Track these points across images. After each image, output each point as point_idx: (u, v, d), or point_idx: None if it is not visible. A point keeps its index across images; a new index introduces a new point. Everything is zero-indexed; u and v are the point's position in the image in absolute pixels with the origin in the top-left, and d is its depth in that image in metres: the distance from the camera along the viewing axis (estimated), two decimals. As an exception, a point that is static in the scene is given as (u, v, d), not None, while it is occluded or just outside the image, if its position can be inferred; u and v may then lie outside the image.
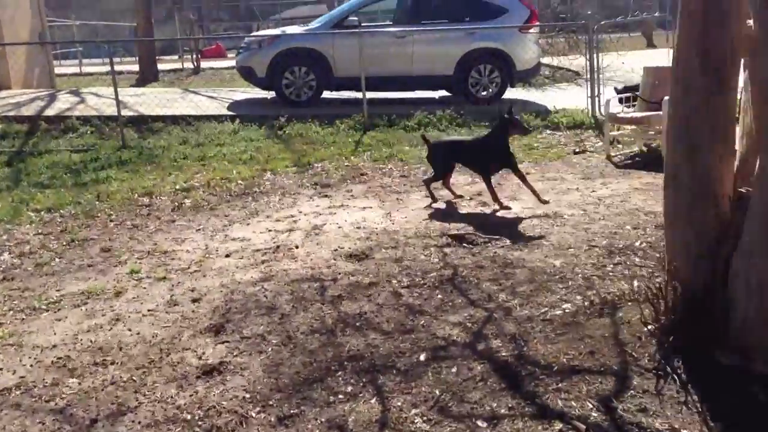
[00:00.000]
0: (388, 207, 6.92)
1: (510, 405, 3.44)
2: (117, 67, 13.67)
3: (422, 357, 4.00)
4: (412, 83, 12.74)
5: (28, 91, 14.25)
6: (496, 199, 6.66)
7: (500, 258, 5.37)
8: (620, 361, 3.74)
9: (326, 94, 12.77)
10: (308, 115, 11.27)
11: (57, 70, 19.29)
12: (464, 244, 5.76)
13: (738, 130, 3.67)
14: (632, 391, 3.46)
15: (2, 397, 3.81)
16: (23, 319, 4.80)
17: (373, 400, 3.60)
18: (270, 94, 12.97)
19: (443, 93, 13.36)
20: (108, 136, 10.56)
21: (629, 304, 4.33)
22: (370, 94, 11.18)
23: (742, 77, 3.59)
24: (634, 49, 19.66)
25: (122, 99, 11.18)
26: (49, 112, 11.98)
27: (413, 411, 3.48)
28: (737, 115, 3.71)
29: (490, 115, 10.91)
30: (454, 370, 3.83)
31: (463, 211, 6.75)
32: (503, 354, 3.95)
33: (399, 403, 3.55)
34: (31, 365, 4.15)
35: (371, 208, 6.92)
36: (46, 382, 3.94)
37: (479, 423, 3.33)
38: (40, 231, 6.59)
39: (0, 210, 7.17)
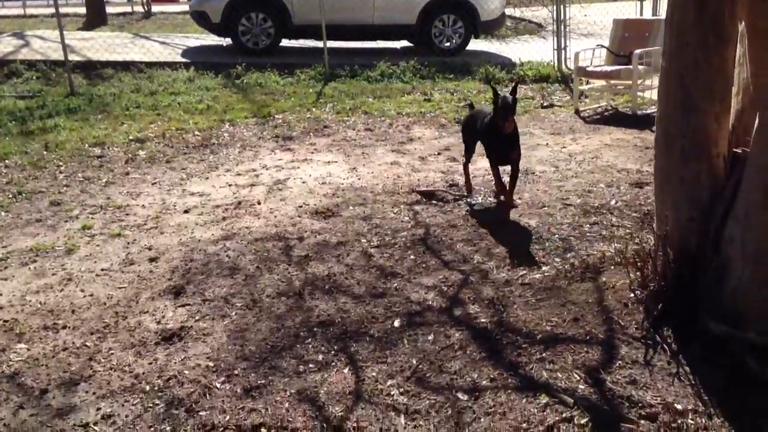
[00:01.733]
0: (354, 161, 6.67)
1: (492, 376, 3.29)
2: (62, 9, 12.93)
3: (396, 323, 3.82)
4: (374, 32, 12.36)
5: (-33, 33, 13.43)
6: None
7: (473, 217, 5.19)
8: (606, 330, 3.61)
9: (285, 43, 12.30)
10: (267, 63, 10.84)
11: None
12: (435, 202, 5.57)
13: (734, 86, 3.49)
14: (620, 362, 3.33)
15: (-58, 365, 3.52)
16: (-35, 278, 4.46)
17: (345, 370, 3.42)
18: (226, 41, 12.45)
19: (406, 43, 13.02)
20: (55, 82, 9.99)
21: (612, 268, 4.20)
22: (330, 44, 10.78)
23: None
24: (600, 1, 19.46)
25: (69, 43, 10.55)
26: (-9, 54, 11.30)
27: (389, 382, 3.30)
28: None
29: (454, 67, 10.67)
30: (430, 337, 3.66)
31: (430, 166, 6.53)
32: (482, 320, 3.79)
33: (374, 374, 3.37)
34: (-26, 330, 3.85)
35: (336, 162, 6.65)
36: (-7, 350, 3.66)
37: (459, 395, 3.18)
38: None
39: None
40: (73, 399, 3.25)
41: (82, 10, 20.26)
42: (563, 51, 10.93)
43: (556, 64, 10.93)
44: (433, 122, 7.96)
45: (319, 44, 11.02)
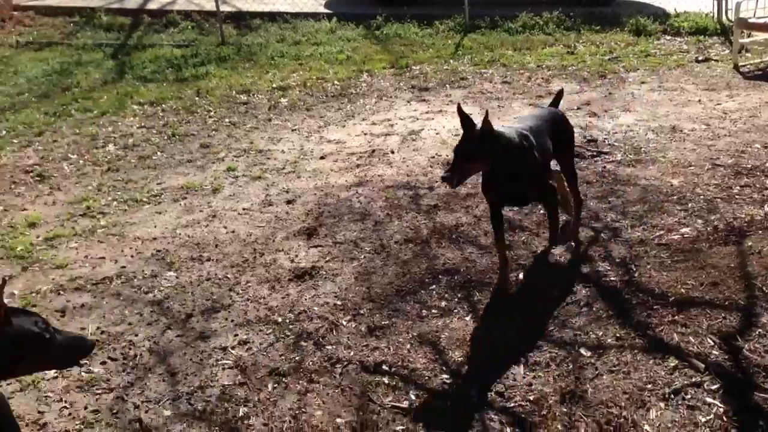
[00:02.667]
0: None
1: (618, 335, 3.22)
2: (217, -39, 13.44)
3: (521, 275, 3.80)
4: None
5: (131, -16, 14.30)
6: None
7: (609, 174, 5.01)
8: (748, 296, 3.42)
9: (426, -7, 12.19)
10: (407, 14, 10.81)
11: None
12: (570, 158, 5.42)
13: None
14: (761, 330, 3.16)
15: (104, 285, 3.91)
16: (125, 210, 4.88)
17: (468, 318, 3.47)
18: (369, -8, 12.51)
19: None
20: (207, 32, 10.49)
21: (760, 232, 3.95)
22: (473, -6, 10.57)
23: None
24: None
25: (222, -7, 11.03)
26: (152, 5, 11.98)
27: (509, 333, 3.32)
28: None
29: (601, 18, 10.18)
30: (555, 292, 3.62)
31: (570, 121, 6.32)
32: (611, 278, 3.70)
33: (495, 323, 3.40)
34: (132, 256, 4.22)
35: (471, 114, 6.58)
36: (145, 274, 4.01)
37: (582, 351, 3.14)
38: (143, 124, 6.66)
39: (105, 102, 7.28)
40: (213, 325, 3.51)
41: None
42: (723, 1, 10.12)
43: (715, 15, 10.13)
44: (575, 76, 7.68)
45: (461, -6, 10.85)
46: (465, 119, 3.38)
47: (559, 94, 4.12)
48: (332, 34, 10.16)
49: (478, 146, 3.32)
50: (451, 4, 11.44)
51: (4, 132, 6.39)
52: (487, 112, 3.43)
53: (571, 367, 3.05)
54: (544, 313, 3.45)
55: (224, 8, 11.00)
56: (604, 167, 5.15)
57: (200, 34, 10.47)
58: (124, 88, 7.83)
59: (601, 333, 3.25)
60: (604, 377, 2.98)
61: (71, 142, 6.19)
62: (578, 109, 6.64)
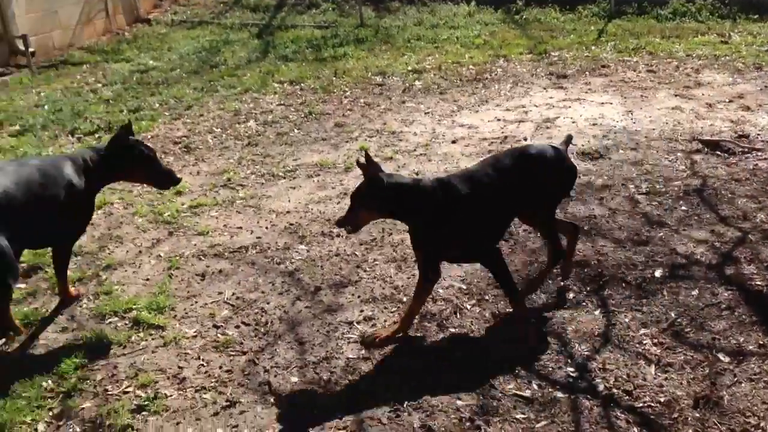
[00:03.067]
0: (630, 104, 6.32)
1: (762, 342, 3.03)
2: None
3: (657, 273, 3.64)
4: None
5: (277, -33, 14.81)
6: None
7: (762, 172, 4.69)
8: None
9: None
10: (549, -1, 10.54)
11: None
12: (718, 152, 5.11)
13: None
14: None
15: (240, 254, 4.10)
16: (263, 183, 5.09)
17: (596, 312, 3.37)
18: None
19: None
20: (347, 14, 10.70)
21: None
22: (620, -22, 10.14)
23: None
24: None
25: (363, -24, 11.21)
26: (296, -13, 12.40)
27: (642, 331, 3.19)
28: None
29: (760, 5, 9.47)
30: (694, 293, 3.44)
31: (718, 114, 5.96)
32: (758, 283, 3.47)
33: (626, 320, 3.28)
34: (267, 228, 4.41)
35: (611, 104, 6.36)
36: (279, 246, 4.17)
37: (720, 356, 2.98)
38: (282, 102, 6.90)
39: (249, 79, 7.60)
40: (340, 299, 3.61)
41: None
42: None
43: None
44: (728, 66, 7.22)
45: (607, -21, 10.45)
46: (365, 164, 3.03)
47: (568, 138, 3.52)
48: (470, 17, 10.08)
49: (366, 193, 3.05)
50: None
51: (157, 105, 6.82)
52: (367, 154, 3.03)
53: (707, 371, 2.90)
54: (680, 313, 3.29)
55: (365, -10, 11.17)
56: (756, 165, 4.82)
57: (340, 15, 10.69)
58: (267, 66, 8.14)
59: (742, 339, 3.07)
60: (743, 385, 2.81)
61: (216, 117, 6.52)
62: (729, 101, 6.24)
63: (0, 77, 7.91)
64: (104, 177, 3.48)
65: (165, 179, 3.59)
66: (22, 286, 3.77)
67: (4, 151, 5.66)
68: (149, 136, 6.02)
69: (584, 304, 3.44)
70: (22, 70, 8.20)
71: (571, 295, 3.51)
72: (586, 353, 3.09)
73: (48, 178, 3.15)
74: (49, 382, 3.01)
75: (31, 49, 8.22)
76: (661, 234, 4.02)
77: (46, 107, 6.72)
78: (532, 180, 3.20)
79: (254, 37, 9.67)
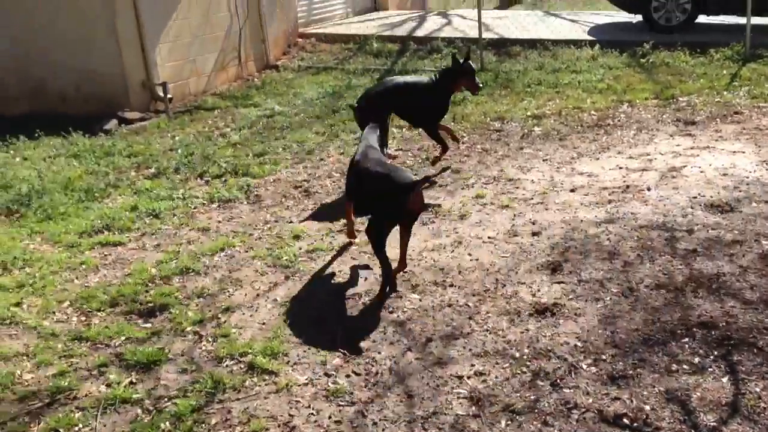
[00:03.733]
0: (765, 154, 5.95)
1: None
2: (482, -11, 13.75)
3: (793, 339, 3.38)
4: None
5: (402, 13, 15.14)
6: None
7: None
8: None
9: (701, 19, 11.37)
10: (677, 42, 10.15)
11: (428, -8, 20.22)
12: None
13: None
14: None
15: (353, 301, 4.15)
16: (377, 230, 5.15)
17: (724, 379, 3.15)
18: (636, 18, 11.98)
19: None
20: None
21: None
22: (755, 20, 9.64)
23: None
24: None
25: (485, 21, 11.25)
26: (419, 33, 12.59)
27: (776, 402, 2.96)
28: None
29: None
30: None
31: None
32: None
33: (757, 389, 3.05)
34: (380, 275, 4.44)
35: (743, 153, 6.02)
36: (392, 294, 4.19)
37: None
38: (400, 147, 7.00)
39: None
40: (451, 351, 3.58)
41: (501, -11, 21.34)
42: None
43: None
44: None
45: (741, 20, 9.95)
46: None
47: None
48: (593, 61, 9.88)
49: None
50: (730, 31, 10.57)
51: (281, 149, 7.10)
52: None
53: None
54: (819, 387, 3.02)
55: (486, 35, 11.23)
56: None
57: (461, 61, 10.77)
58: (386, 112, 8.29)
59: None
60: None
61: (336, 161, 6.70)
62: None
63: (140, 122, 8.52)
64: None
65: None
66: (147, 326, 4.00)
67: (139, 192, 6.07)
68: (271, 180, 6.27)
69: (711, 369, 3.23)
70: (160, 115, 8.79)
71: (697, 360, 3.31)
72: (712, 424, 2.89)
73: None
74: (167, 423, 3.14)
75: (169, 96, 8.82)
76: None
77: (179, 151, 7.16)
78: None
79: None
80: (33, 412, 3.31)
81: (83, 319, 4.13)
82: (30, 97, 8.97)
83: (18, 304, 4.29)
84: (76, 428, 3.18)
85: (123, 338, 3.87)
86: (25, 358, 3.74)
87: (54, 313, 4.20)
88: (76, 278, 4.63)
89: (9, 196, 5.95)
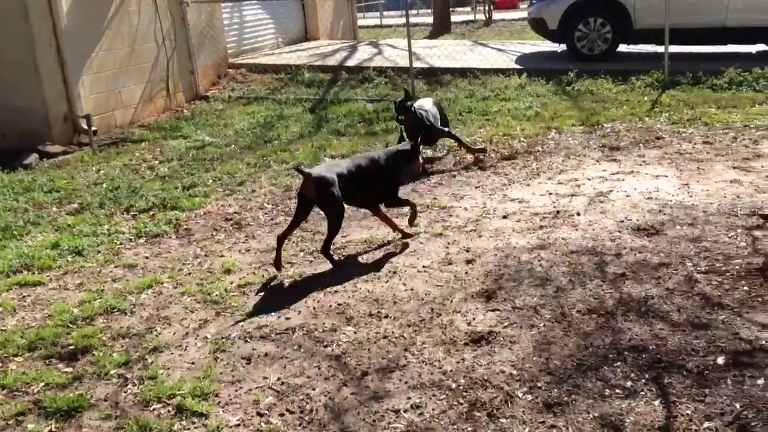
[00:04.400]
0: (686, 177, 6.16)
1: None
2: (413, 20, 13.99)
3: (720, 360, 3.45)
4: (725, 36, 11.22)
5: (333, 42, 15.25)
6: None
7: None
8: None
9: (621, 48, 11.82)
10: (600, 70, 10.53)
11: (360, 22, 20.44)
12: (781, 229, 4.90)
13: None
14: None
15: (287, 335, 4.06)
16: (311, 261, 5.08)
17: (656, 402, 3.19)
18: (560, 47, 12.37)
19: (763, 47, 11.64)
20: (400, 87, 10.86)
21: None
22: (672, 48, 10.08)
23: None
24: None
25: (415, 51, 11.42)
26: (350, 62, 12.68)
27: (706, 424, 3.00)
28: None
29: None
30: (760, 382, 3.24)
31: (780, 187, 5.75)
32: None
33: (688, 411, 3.09)
34: (314, 308, 4.36)
35: (666, 177, 6.22)
36: (326, 327, 4.11)
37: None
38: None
39: (301, 154, 7.72)
40: (387, 385, 3.51)
41: (431, 19, 21.78)
42: None
43: None
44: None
45: (659, 49, 10.40)
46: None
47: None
48: (521, 89, 10.13)
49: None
50: (648, 58, 11.03)
51: (211, 181, 6.97)
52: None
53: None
54: (746, 405, 3.08)
55: (417, 64, 11.40)
56: (823, 242, 4.60)
57: (392, 89, 10.88)
58: (319, 140, 8.27)
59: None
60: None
61: (267, 192, 6.61)
62: (791, 174, 6.03)
63: (63, 155, 8.24)
64: None
65: None
66: (68, 370, 3.80)
67: (61, 229, 5.83)
68: (201, 213, 6.13)
69: (643, 393, 3.27)
70: (84, 148, 8.53)
71: (629, 383, 3.34)
72: (645, 449, 2.91)
73: None
74: (90, 472, 2.97)
75: (93, 128, 8.57)
76: (723, 317, 3.83)
77: (104, 185, 6.93)
78: None
79: (308, 112, 9.89)
80: (-59, 470, 3.09)
81: (-1, 365, 3.90)
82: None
83: (-75, 353, 4.02)
84: (-11, 485, 2.98)
85: (42, 384, 3.65)
86: (-68, 411, 3.50)
87: (-33, 360, 3.96)
88: (-8, 322, 4.39)
89: None
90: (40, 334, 4.13)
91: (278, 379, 3.62)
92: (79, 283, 4.88)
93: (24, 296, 4.71)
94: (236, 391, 3.53)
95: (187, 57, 10.95)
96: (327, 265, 4.95)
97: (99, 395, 3.54)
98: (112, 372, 3.73)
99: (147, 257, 5.29)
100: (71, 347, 3.98)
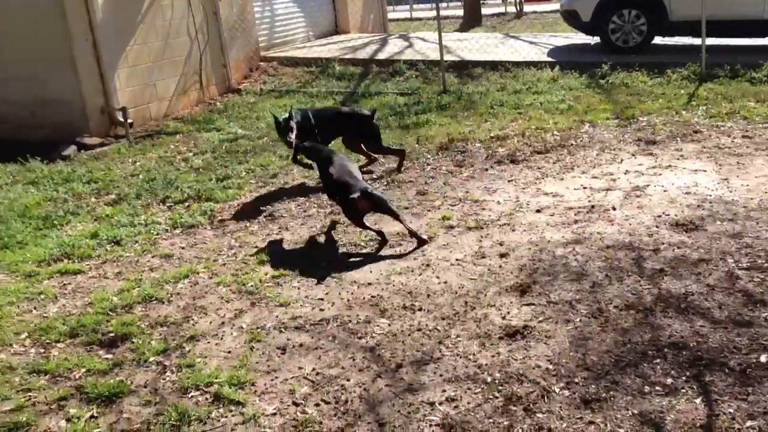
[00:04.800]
0: (725, 171, 6.05)
1: None
2: (443, 12, 13.93)
3: (763, 358, 3.39)
4: (763, 28, 10.98)
5: (364, 36, 15.22)
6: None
7: None
8: None
9: (657, 40, 11.64)
10: (635, 62, 10.37)
11: (390, 15, 20.38)
12: (825, 225, 4.80)
13: None
14: None
15: (321, 326, 4.07)
16: (345, 253, 5.09)
17: (697, 400, 3.14)
18: (593, 40, 12.22)
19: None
20: (430, 81, 10.83)
21: None
22: (709, 41, 9.89)
23: None
24: None
25: (446, 44, 11.35)
26: (381, 55, 12.65)
27: (749, 423, 2.95)
28: None
29: None
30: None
31: (823, 183, 5.62)
32: None
33: (730, 410, 3.04)
34: (348, 300, 4.37)
35: (704, 171, 6.11)
36: (360, 319, 4.12)
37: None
38: (365, 169, 6.95)
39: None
40: (422, 377, 3.51)
41: (461, 12, 21.65)
42: None
43: None
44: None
45: (696, 41, 10.22)
46: None
47: None
48: (554, 82, 10.02)
49: None
50: (684, 51, 10.85)
51: (244, 173, 7.01)
52: None
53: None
54: (790, 405, 3.03)
55: (448, 57, 11.33)
56: None
57: (423, 82, 10.83)
58: (351, 134, 8.25)
59: None
60: None
61: (300, 185, 6.63)
62: (835, 168, 5.89)
63: (100, 147, 8.35)
64: None
65: None
66: (108, 357, 3.86)
67: (99, 219, 5.92)
68: (235, 204, 6.17)
69: (684, 390, 3.22)
70: (120, 140, 8.63)
71: (669, 381, 3.29)
72: (686, 446, 2.87)
73: None
74: (131, 458, 3.02)
75: (129, 121, 8.67)
76: (765, 314, 3.76)
77: (140, 176, 7.01)
78: None
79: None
80: (-13, 452, 3.16)
81: (42, 350, 3.97)
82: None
83: (-28, 338, 4.12)
84: (34, 468, 3.04)
85: (83, 370, 3.72)
86: (-21, 394, 3.58)
87: (11, 345, 4.04)
88: (35, 308, 4.47)
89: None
90: (81, 321, 4.20)
91: (313, 369, 3.64)
92: (117, 272, 4.95)
93: (65, 284, 4.80)
94: (272, 380, 3.56)
95: (220, 50, 11.01)
96: (359, 257, 4.96)
97: (138, 382, 3.59)
98: (150, 359, 3.79)
99: (183, 247, 5.35)
100: (111, 334, 4.05)
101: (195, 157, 7.69)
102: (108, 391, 3.48)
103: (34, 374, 3.72)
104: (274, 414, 3.29)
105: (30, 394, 3.55)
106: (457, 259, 4.82)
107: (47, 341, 4.05)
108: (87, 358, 3.83)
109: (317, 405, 3.34)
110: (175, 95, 10.07)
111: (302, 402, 3.36)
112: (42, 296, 4.61)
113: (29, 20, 8.47)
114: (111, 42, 8.80)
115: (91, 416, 3.34)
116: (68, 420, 3.32)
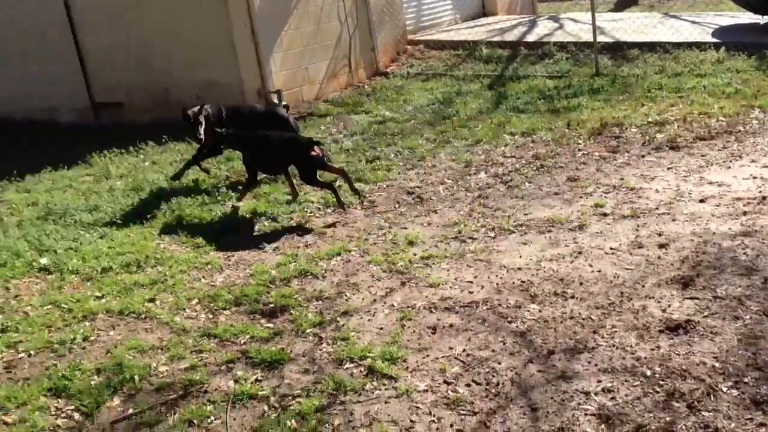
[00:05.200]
0: None
1: None
2: (596, -8, 13.36)
3: None
4: None
5: (512, 17, 14.90)
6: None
7: None
8: None
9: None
10: (815, 42, 9.50)
11: (537, -3, 19.84)
12: None
13: None
14: None
15: (471, 309, 4.08)
16: (493, 237, 5.06)
17: None
18: (763, 19, 11.30)
19: None
20: (582, 63, 10.45)
21: None
22: None
23: None
24: None
25: (599, 25, 10.89)
26: (529, 38, 12.34)
27: None
28: None
29: None
30: None
31: None
32: None
33: None
34: (497, 284, 4.35)
35: None
36: (510, 303, 4.09)
37: None
38: (513, 154, 6.87)
39: (480, 131, 7.67)
40: (575, 366, 3.44)
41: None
42: None
43: None
44: None
45: None
46: None
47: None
48: (719, 64, 9.38)
49: None
50: None
51: (392, 155, 7.12)
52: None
53: None
54: None
55: (601, 39, 10.88)
56: None
57: (574, 65, 10.48)
58: (498, 117, 8.16)
59: None
60: None
61: (447, 168, 6.65)
62: None
63: (257, 128, 8.78)
64: None
65: None
66: (270, 326, 4.08)
67: (258, 197, 6.23)
68: (384, 186, 6.29)
69: None
70: (275, 121, 9.03)
71: None
72: None
73: None
74: (293, 421, 3.18)
75: (284, 103, 9.03)
76: None
77: (294, 156, 7.30)
78: None
79: (486, 89, 9.79)
80: (168, 403, 3.44)
81: (210, 316, 4.27)
82: (155, 107, 9.44)
83: (152, 300, 4.50)
84: (209, 420, 3.28)
85: (248, 336, 3.97)
86: (159, 351, 3.92)
87: (184, 309, 4.37)
88: (203, 277, 4.80)
89: (141, 197, 6.33)
90: (244, 291, 4.47)
91: (463, 350, 3.66)
92: (275, 247, 5.21)
93: (228, 256, 5.11)
94: (423, 358, 3.62)
95: (368, 34, 11.19)
96: (508, 242, 4.91)
97: (297, 351, 3.78)
98: (308, 330, 3.97)
99: (335, 226, 5.53)
100: (271, 305, 4.28)
101: (345, 139, 7.89)
102: (270, 358, 3.69)
103: (205, 337, 4.01)
104: (426, 390, 3.34)
105: (201, 355, 3.83)
106: (611, 248, 4.66)
107: (215, 308, 4.35)
108: (251, 325, 4.08)
109: (468, 385, 3.36)
110: (326, 78, 10.37)
111: (453, 381, 3.39)
112: (209, 266, 4.95)
113: (193, 8, 9.03)
114: (267, 27, 9.20)
115: (256, 379, 3.56)
116: (236, 381, 3.56)
